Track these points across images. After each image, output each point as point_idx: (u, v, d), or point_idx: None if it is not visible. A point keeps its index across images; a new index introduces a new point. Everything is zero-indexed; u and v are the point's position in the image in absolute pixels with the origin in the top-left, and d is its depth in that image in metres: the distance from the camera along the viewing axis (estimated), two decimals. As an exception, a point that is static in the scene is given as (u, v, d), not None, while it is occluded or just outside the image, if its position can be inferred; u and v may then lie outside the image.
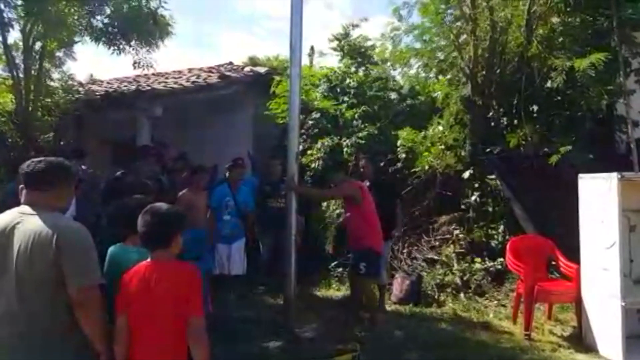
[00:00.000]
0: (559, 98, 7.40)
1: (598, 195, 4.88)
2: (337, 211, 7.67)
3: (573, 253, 5.36)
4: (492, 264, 6.79)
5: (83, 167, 6.24)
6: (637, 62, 7.34)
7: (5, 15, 7.28)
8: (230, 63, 11.41)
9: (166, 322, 2.42)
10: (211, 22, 51.48)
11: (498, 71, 7.97)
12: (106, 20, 7.96)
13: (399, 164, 8.29)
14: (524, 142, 7.00)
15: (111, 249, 2.88)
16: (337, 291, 6.85)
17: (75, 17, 7.70)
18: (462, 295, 6.51)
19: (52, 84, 8.28)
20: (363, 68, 11.67)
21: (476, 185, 7.54)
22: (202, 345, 2.43)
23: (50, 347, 2.28)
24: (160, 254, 2.53)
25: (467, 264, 6.90)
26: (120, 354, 2.45)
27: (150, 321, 2.42)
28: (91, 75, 11.21)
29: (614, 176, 4.64)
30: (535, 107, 7.47)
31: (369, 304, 5.59)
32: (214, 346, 2.64)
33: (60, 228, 2.28)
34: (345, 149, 8.34)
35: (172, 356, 2.45)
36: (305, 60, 12.02)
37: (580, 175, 5.24)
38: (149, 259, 2.54)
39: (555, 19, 7.52)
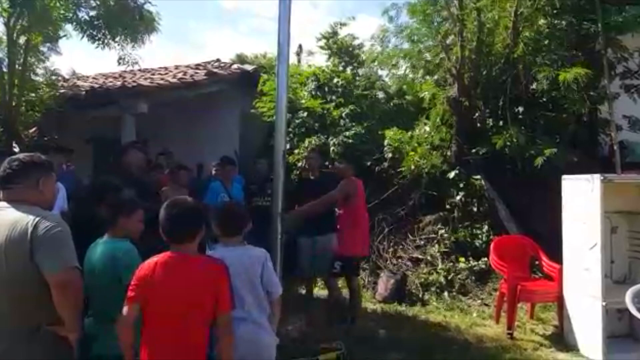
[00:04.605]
0: (544, 100, 7.48)
1: (581, 197, 4.94)
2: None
3: (555, 253, 5.42)
4: (476, 263, 6.84)
5: (68, 164, 6.19)
6: (622, 66, 7.44)
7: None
8: (218, 60, 11.34)
9: (188, 316, 2.38)
10: (196, 18, 51.23)
11: (484, 72, 8.02)
12: (92, 13, 7.88)
13: (386, 164, 8.30)
14: (509, 144, 7.06)
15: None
16: (322, 290, 6.84)
17: (61, 11, 7.61)
18: (446, 294, 6.55)
19: (36, 78, 8.16)
20: (351, 67, 11.68)
21: (461, 185, 7.58)
22: (229, 340, 2.45)
23: (17, 346, 2.25)
24: (186, 248, 2.49)
25: (451, 264, 6.94)
26: (127, 342, 2.39)
27: (171, 314, 2.37)
28: (72, 70, 11.04)
29: (596, 178, 4.69)
30: (520, 109, 7.54)
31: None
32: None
33: (36, 218, 2.25)
34: (332, 148, 8.33)
35: (191, 349, 2.40)
36: (293, 59, 12.00)
37: (563, 176, 5.30)
38: (169, 251, 2.48)
39: (541, 22, 7.59)
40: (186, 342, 2.38)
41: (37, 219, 2.25)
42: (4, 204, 2.34)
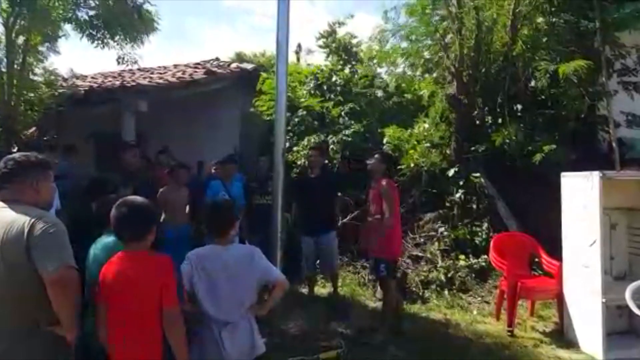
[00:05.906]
0: (542, 97, 7.50)
1: (580, 194, 4.95)
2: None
3: (555, 250, 5.43)
4: (476, 261, 6.85)
5: (63, 161, 6.16)
6: (620, 63, 7.45)
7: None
8: (217, 59, 11.36)
9: (141, 312, 2.42)
10: (194, 16, 51.25)
11: (483, 70, 8.03)
12: (91, 13, 7.87)
13: (385, 162, 8.31)
14: (508, 141, 7.07)
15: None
16: (322, 288, 6.86)
17: (60, 11, 7.60)
18: (446, 292, 6.56)
19: (35, 78, 8.15)
20: (349, 65, 11.69)
21: (461, 183, 7.59)
22: (177, 335, 2.46)
23: (17, 346, 2.25)
24: (135, 246, 2.53)
25: (451, 261, 6.95)
26: (104, 341, 2.48)
27: (127, 311, 2.42)
28: (71, 70, 11.02)
29: (595, 175, 4.71)
30: (519, 106, 7.56)
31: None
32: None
33: (32, 218, 2.25)
34: (331, 147, 8.34)
35: (147, 345, 2.45)
36: (292, 57, 12.02)
37: (562, 173, 5.31)
38: (121, 251, 2.55)
39: (540, 19, 7.61)
40: (142, 339, 2.43)
41: (34, 219, 2.24)
42: (1, 203, 2.34)
